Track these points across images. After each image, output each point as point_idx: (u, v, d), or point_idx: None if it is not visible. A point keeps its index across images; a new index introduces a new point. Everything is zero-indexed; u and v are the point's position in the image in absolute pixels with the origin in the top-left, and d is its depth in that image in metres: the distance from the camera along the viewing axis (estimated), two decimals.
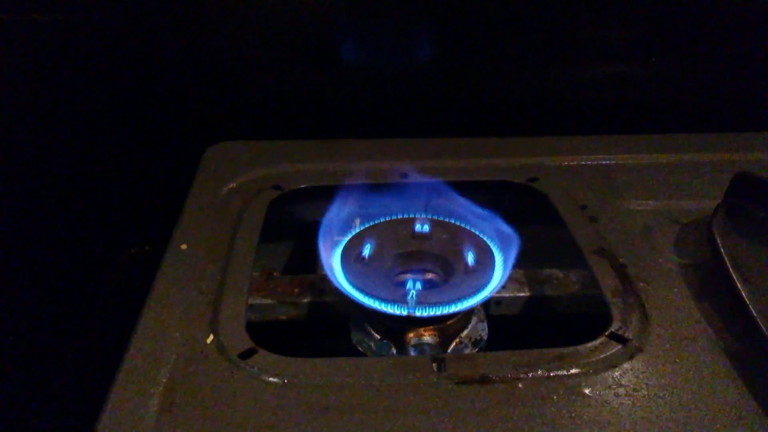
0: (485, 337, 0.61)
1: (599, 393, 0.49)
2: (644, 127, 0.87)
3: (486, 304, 0.63)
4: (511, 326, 0.64)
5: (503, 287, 0.63)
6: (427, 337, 0.59)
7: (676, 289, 0.59)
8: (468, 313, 0.61)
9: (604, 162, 0.80)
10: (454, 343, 0.60)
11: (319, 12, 0.87)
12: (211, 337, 0.54)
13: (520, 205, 0.74)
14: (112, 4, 0.84)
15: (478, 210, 0.67)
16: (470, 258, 0.62)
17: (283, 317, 0.64)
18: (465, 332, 0.61)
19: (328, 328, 0.65)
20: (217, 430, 0.46)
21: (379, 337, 0.60)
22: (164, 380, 0.50)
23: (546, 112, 0.92)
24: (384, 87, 0.91)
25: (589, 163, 0.80)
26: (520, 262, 0.63)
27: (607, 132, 0.85)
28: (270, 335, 0.56)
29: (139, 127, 0.92)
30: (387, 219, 0.68)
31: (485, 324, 0.62)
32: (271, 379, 0.50)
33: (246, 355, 0.52)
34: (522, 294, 0.65)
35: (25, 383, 0.70)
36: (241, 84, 0.92)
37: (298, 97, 0.92)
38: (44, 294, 0.79)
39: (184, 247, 0.65)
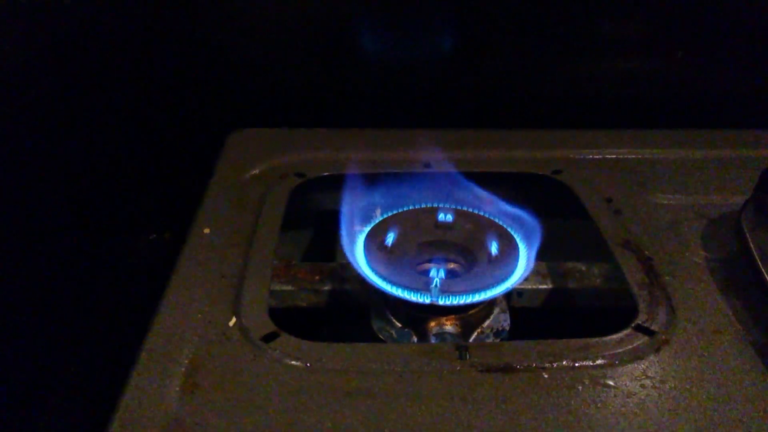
0: (507, 328, 0.60)
1: (625, 384, 0.48)
2: (671, 121, 0.86)
3: (508, 295, 0.63)
4: (532, 319, 0.64)
5: (526, 279, 0.62)
6: (449, 326, 0.59)
7: (703, 283, 0.59)
8: (490, 304, 0.61)
9: (629, 156, 0.79)
10: (475, 333, 0.60)
11: (343, 0, 0.87)
12: (234, 320, 0.54)
13: (543, 197, 0.73)
14: None
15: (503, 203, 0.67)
16: (494, 248, 0.62)
17: (304, 304, 0.64)
18: (487, 322, 0.61)
19: (347, 315, 0.65)
20: (238, 412, 0.46)
21: (400, 325, 0.60)
22: (186, 361, 0.50)
23: (571, 105, 0.91)
24: (407, 77, 0.91)
25: (615, 157, 0.79)
26: (543, 255, 0.63)
27: (633, 126, 0.84)
28: (290, 322, 0.55)
29: (160, 114, 0.92)
30: (410, 208, 0.68)
31: (507, 315, 0.61)
32: (293, 362, 0.50)
33: (269, 338, 0.52)
34: (544, 286, 0.64)
35: (43, 366, 0.70)
36: (263, 71, 0.91)
37: (321, 86, 0.92)
38: (63, 279, 0.80)
39: (207, 231, 0.65)
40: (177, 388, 0.48)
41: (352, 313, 0.63)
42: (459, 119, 0.91)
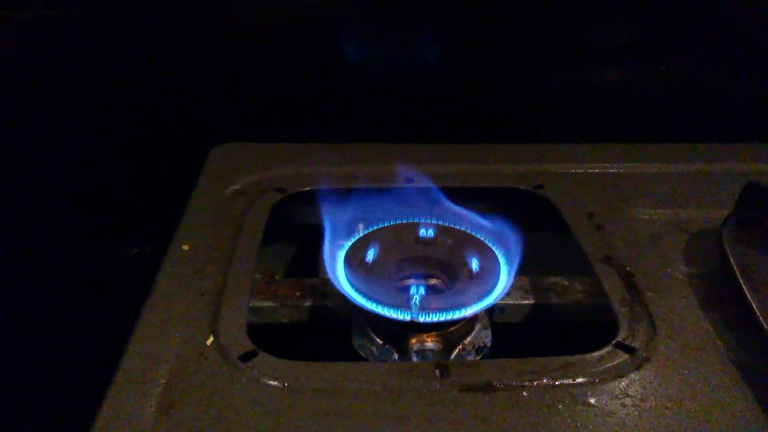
0: (489, 345, 0.60)
1: (605, 403, 0.48)
2: (653, 135, 0.86)
3: (490, 311, 0.63)
4: (514, 334, 0.63)
5: (507, 294, 0.62)
6: (430, 343, 0.58)
7: (684, 299, 0.59)
8: (471, 320, 0.61)
9: (612, 170, 0.79)
10: (457, 350, 0.59)
11: (326, 14, 0.86)
12: (211, 338, 0.53)
13: (525, 212, 0.73)
14: (118, 1, 0.84)
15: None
16: (474, 264, 0.62)
17: (285, 320, 0.63)
18: (468, 339, 0.60)
19: (329, 332, 0.64)
20: None
21: (381, 342, 0.59)
22: (162, 381, 0.49)
23: (553, 119, 0.92)
24: (390, 91, 0.91)
25: (597, 171, 0.79)
26: (525, 270, 0.63)
27: (615, 140, 0.84)
28: (270, 338, 0.55)
29: (143, 128, 0.92)
30: (391, 224, 0.67)
31: (489, 331, 0.61)
32: (271, 382, 0.49)
33: (246, 357, 0.51)
34: (526, 301, 0.64)
35: (22, 383, 0.70)
36: (246, 85, 0.91)
37: (303, 100, 0.92)
38: (45, 293, 0.79)
39: (185, 247, 0.64)
40: (152, 409, 0.47)
41: (334, 329, 0.63)
42: (443, 133, 0.91)
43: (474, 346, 0.60)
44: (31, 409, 0.66)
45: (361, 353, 0.59)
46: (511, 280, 0.61)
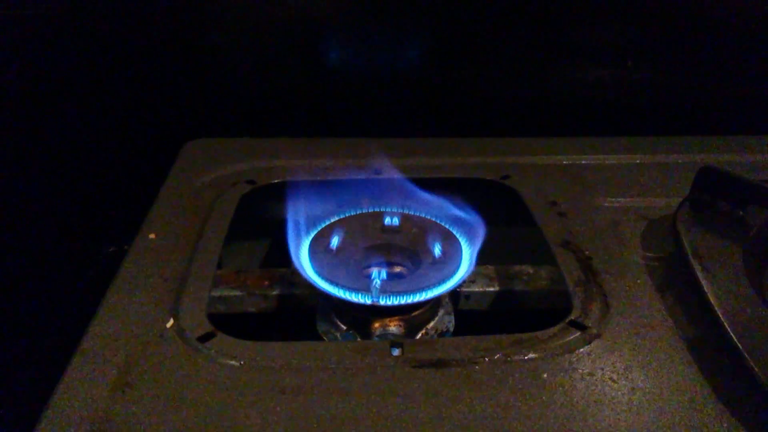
0: (451, 329, 0.61)
1: (555, 377, 0.49)
2: (616, 128, 0.87)
3: (455, 299, 0.63)
4: (479, 321, 0.64)
5: (473, 282, 0.63)
6: (393, 327, 0.59)
7: (639, 281, 0.60)
8: (435, 305, 0.61)
9: (576, 162, 0.80)
10: (420, 335, 0.60)
11: (303, 9, 0.87)
12: (172, 321, 0.54)
13: (492, 201, 0.74)
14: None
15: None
16: (437, 250, 0.62)
17: (252, 309, 0.64)
18: (431, 324, 0.61)
19: (297, 320, 0.65)
20: (170, 409, 0.46)
21: (344, 327, 0.60)
22: (120, 361, 0.50)
23: (520, 113, 0.93)
24: (362, 87, 0.92)
25: (562, 162, 0.80)
26: (492, 258, 0.63)
27: (580, 134, 0.86)
28: (237, 328, 0.55)
29: (119, 125, 0.93)
30: (356, 212, 0.68)
31: (452, 316, 0.62)
32: (228, 361, 0.50)
33: (204, 338, 0.52)
34: (491, 289, 0.65)
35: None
36: (222, 82, 0.92)
37: (278, 96, 0.93)
38: (21, 291, 0.79)
39: (152, 236, 0.65)
40: (108, 387, 0.48)
41: (302, 317, 0.63)
42: (413, 128, 0.92)
43: (437, 331, 0.60)
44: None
45: (325, 338, 0.59)
46: (473, 266, 0.62)
